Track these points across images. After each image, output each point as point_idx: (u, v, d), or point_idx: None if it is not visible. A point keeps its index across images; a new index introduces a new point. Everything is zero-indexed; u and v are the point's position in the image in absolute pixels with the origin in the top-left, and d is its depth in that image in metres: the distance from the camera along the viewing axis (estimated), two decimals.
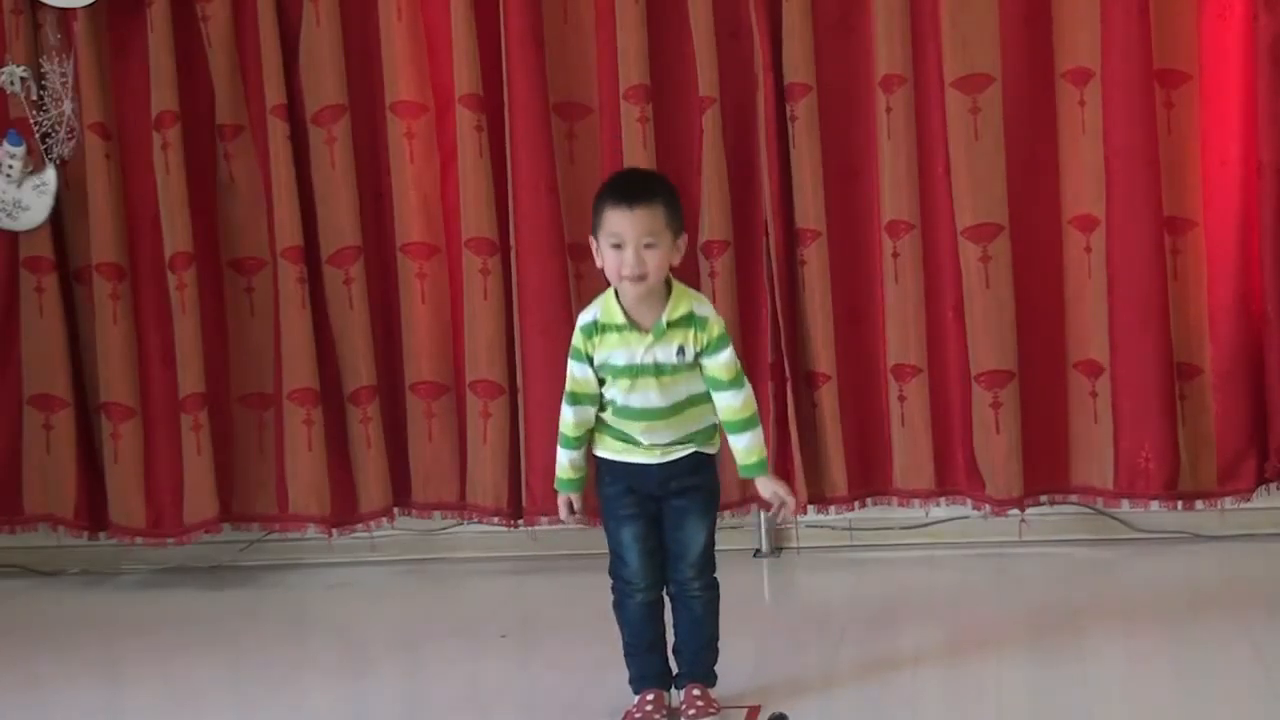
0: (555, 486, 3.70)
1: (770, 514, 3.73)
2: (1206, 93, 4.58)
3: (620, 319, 3.53)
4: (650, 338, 3.51)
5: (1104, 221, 4.62)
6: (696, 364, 3.55)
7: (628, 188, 3.57)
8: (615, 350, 3.53)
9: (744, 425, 3.59)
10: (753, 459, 3.62)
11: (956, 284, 4.68)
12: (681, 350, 3.52)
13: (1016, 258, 4.66)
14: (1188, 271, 4.63)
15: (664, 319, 3.51)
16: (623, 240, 3.47)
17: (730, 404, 3.58)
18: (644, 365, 3.52)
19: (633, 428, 3.58)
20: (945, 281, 4.71)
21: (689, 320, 3.53)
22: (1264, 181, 4.54)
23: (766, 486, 3.65)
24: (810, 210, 4.74)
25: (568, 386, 3.62)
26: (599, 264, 3.56)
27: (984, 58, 4.61)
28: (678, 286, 3.57)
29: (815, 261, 4.75)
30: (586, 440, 3.64)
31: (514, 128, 4.80)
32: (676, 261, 3.56)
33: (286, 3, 4.87)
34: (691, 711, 3.60)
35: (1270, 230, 4.54)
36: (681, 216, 3.59)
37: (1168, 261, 4.60)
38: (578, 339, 3.57)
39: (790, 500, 3.65)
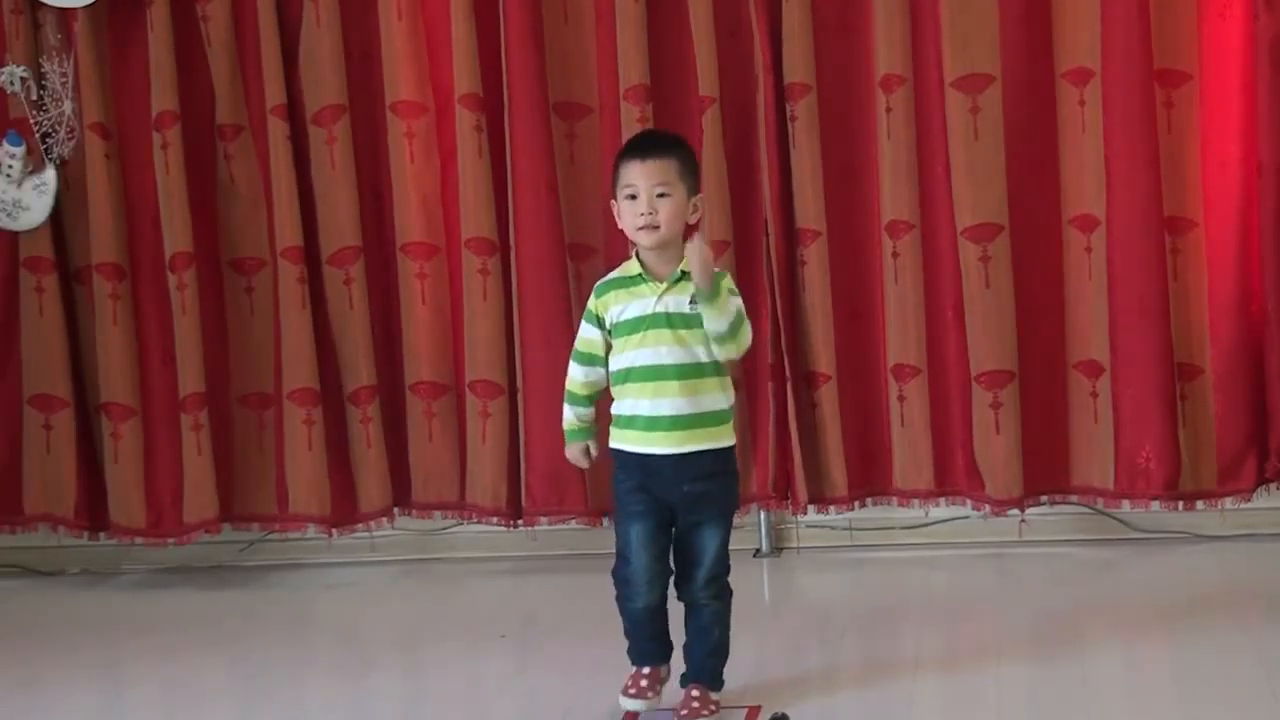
0: (567, 439, 3.72)
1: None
2: (1206, 93, 4.58)
3: (636, 271, 3.59)
4: (664, 285, 3.56)
5: (1104, 221, 4.61)
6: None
7: (642, 141, 3.70)
8: (629, 303, 3.58)
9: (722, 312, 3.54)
10: (706, 300, 3.50)
11: (956, 284, 4.68)
12: (694, 301, 3.55)
13: (1016, 258, 4.66)
14: (1188, 271, 4.62)
15: (679, 269, 3.56)
16: (636, 190, 3.54)
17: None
18: (656, 315, 3.55)
19: (641, 400, 3.57)
20: (945, 281, 4.71)
21: None
22: (1264, 181, 4.54)
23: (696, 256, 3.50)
24: (810, 210, 4.74)
25: (576, 346, 3.67)
26: (620, 225, 3.61)
27: (984, 58, 4.61)
28: None
29: (815, 261, 4.75)
30: (595, 402, 3.68)
31: (514, 128, 4.80)
32: (693, 221, 3.61)
33: (286, 3, 4.88)
34: (685, 713, 3.61)
35: (1270, 230, 4.54)
36: (698, 177, 3.66)
37: (1168, 261, 4.59)
38: (591, 300, 3.64)
39: (699, 256, 3.47)
